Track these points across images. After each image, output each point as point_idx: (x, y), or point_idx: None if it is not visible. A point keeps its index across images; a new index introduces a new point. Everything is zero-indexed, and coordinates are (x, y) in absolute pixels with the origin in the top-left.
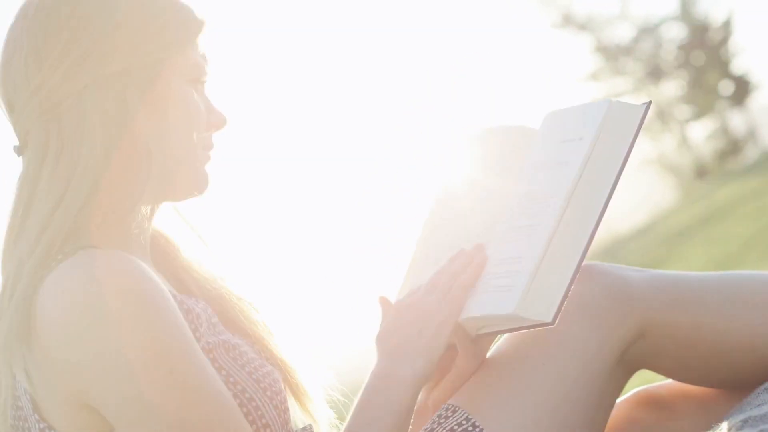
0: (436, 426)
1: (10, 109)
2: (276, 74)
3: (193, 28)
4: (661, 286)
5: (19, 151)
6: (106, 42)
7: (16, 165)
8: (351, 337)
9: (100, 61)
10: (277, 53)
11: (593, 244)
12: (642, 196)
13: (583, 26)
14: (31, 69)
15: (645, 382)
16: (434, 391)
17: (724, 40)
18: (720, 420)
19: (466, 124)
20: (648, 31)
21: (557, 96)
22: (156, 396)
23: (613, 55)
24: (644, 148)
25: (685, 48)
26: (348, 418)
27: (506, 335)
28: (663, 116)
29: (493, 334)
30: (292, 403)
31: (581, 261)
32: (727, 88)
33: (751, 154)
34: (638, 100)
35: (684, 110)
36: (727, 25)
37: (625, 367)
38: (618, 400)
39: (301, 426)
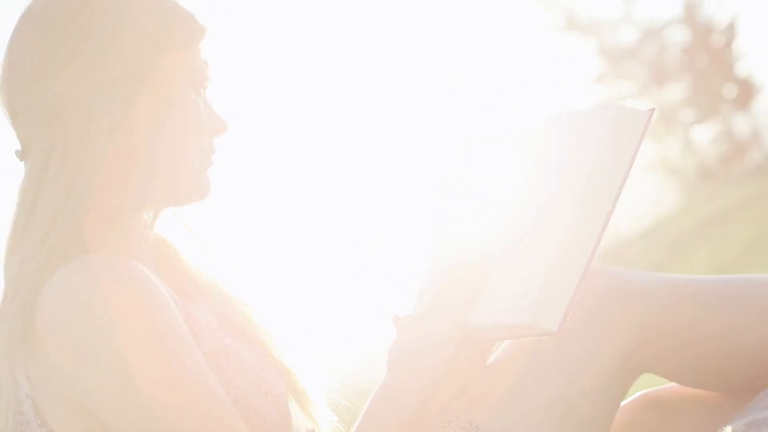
0: (439, 431)
1: (13, 114)
2: (276, 74)
3: (196, 33)
4: (663, 288)
5: (21, 155)
6: (111, 47)
7: (16, 165)
8: (355, 341)
9: (105, 65)
10: (277, 53)
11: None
12: (646, 199)
13: (587, 29)
14: (35, 73)
15: (649, 386)
16: (437, 396)
17: (728, 44)
18: (724, 423)
19: (469, 128)
20: (652, 34)
21: (561, 99)
22: (156, 401)
23: (616, 58)
24: (648, 151)
25: (689, 51)
26: (353, 428)
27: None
28: (667, 119)
29: (496, 341)
30: (294, 407)
31: (587, 268)
32: (731, 91)
33: (755, 157)
34: (642, 103)
35: (688, 113)
36: (731, 29)
37: (628, 370)
38: (622, 404)
39: (303, 430)
